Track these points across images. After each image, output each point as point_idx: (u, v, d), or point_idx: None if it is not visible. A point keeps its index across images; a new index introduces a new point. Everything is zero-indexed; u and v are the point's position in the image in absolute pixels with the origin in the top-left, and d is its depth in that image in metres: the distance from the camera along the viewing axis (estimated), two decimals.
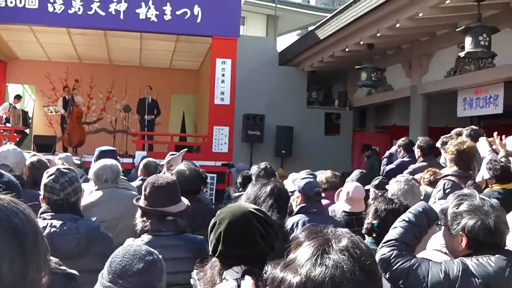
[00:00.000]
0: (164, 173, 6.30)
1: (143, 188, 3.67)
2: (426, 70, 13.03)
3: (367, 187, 5.94)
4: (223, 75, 13.73)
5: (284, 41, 22.53)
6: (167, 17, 13.18)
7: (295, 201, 5.02)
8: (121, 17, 12.98)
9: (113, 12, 12.94)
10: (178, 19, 13.22)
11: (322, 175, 6.68)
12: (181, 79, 18.13)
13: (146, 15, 13.13)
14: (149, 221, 3.48)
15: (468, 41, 8.67)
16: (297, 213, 4.82)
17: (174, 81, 17.93)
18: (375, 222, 3.53)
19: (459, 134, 7.11)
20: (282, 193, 3.53)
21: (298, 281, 1.32)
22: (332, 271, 1.31)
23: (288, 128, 15.83)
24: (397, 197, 3.81)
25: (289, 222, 4.61)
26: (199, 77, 18.10)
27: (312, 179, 5.23)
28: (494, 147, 5.98)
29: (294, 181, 6.60)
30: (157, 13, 13.15)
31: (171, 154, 6.97)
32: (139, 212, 3.60)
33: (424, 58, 13.02)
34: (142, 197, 3.62)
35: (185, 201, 3.73)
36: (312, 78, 17.05)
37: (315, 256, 1.34)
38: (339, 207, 5.46)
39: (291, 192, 6.01)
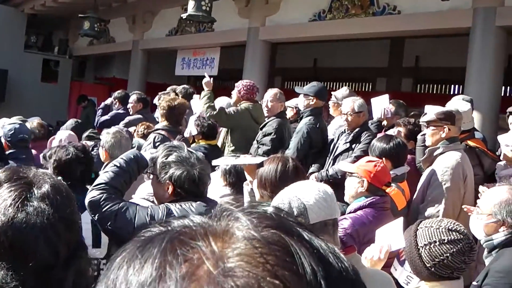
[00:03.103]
0: None
1: None
2: (149, 27, 13.24)
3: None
4: None
5: None
6: None
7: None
8: None
9: None
10: None
11: (29, 124, 6.48)
12: None
13: None
14: None
15: (191, 4, 9.01)
16: None
17: None
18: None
19: (174, 91, 7.49)
20: None
21: None
22: (34, 218, 1.38)
23: (2, 71, 14.63)
24: (74, 145, 3.74)
25: None
26: None
27: (17, 126, 5.08)
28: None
29: (3, 127, 6.34)
30: None
31: None
32: None
33: (148, 15, 13.19)
34: None
35: None
36: (32, 21, 15.96)
37: (17, 203, 1.39)
38: None
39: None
